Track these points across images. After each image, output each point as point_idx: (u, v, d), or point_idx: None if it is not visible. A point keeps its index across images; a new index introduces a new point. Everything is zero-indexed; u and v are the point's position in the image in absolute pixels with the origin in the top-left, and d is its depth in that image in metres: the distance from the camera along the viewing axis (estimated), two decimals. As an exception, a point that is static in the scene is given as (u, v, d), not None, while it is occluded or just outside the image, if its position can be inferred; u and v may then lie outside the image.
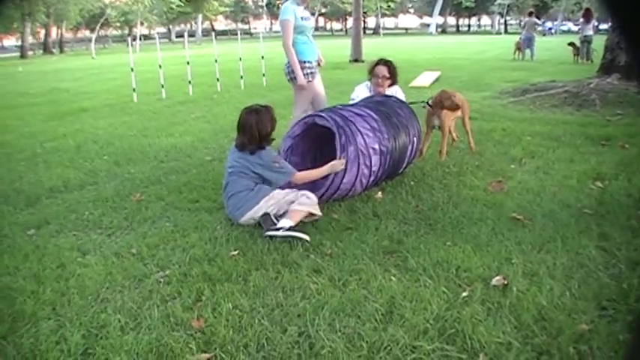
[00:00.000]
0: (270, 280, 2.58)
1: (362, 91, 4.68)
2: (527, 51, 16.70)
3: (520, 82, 10.25)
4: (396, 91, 4.64)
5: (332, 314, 2.25)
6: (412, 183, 4.07)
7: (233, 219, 3.33)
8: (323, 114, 3.69)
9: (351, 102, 4.54)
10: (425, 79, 11.08)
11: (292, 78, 4.46)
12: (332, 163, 3.47)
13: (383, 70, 4.54)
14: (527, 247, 2.84)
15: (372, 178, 3.68)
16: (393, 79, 4.58)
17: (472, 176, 4.18)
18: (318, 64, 4.68)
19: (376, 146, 3.64)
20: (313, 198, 3.28)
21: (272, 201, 3.28)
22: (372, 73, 4.61)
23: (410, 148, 4.01)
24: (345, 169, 3.48)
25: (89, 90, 11.74)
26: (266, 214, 3.18)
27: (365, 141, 3.58)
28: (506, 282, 2.45)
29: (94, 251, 3.01)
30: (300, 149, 3.95)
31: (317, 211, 3.26)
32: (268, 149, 3.36)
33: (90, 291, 2.53)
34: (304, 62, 4.41)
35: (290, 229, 3.00)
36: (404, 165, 4.09)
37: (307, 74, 4.44)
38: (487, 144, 5.26)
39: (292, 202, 3.27)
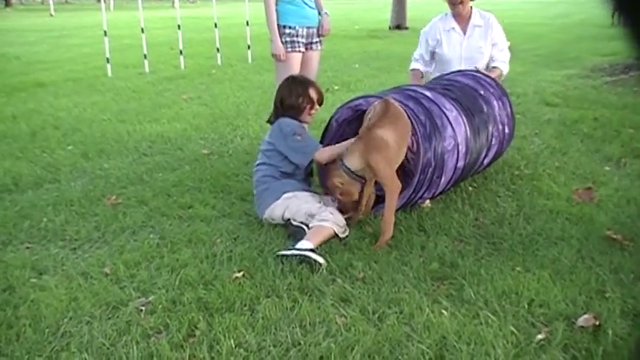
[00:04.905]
0: (285, 311, 2.61)
1: (435, 28, 4.61)
2: None
3: (621, 55, 10.02)
4: (489, 24, 4.54)
5: (364, 357, 2.27)
6: (470, 188, 4.07)
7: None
8: (409, 105, 3.64)
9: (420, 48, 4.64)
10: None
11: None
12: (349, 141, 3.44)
13: None
14: (628, 276, 2.81)
15: (428, 194, 3.71)
16: None
17: (551, 181, 4.15)
18: (320, 35, 4.71)
19: (459, 164, 3.69)
20: (337, 214, 3.32)
21: (293, 201, 3.43)
22: None
23: (484, 153, 3.98)
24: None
25: (47, 58, 11.96)
26: (299, 228, 3.30)
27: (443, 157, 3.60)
28: (598, 322, 2.43)
29: (54, 270, 3.07)
30: (354, 125, 3.87)
31: (341, 231, 3.29)
32: (289, 120, 3.67)
33: (47, 322, 2.58)
34: (284, 27, 4.49)
35: (307, 251, 3.01)
36: (470, 174, 4.09)
37: (286, 42, 4.51)
38: (572, 138, 5.20)
39: (312, 215, 3.33)
